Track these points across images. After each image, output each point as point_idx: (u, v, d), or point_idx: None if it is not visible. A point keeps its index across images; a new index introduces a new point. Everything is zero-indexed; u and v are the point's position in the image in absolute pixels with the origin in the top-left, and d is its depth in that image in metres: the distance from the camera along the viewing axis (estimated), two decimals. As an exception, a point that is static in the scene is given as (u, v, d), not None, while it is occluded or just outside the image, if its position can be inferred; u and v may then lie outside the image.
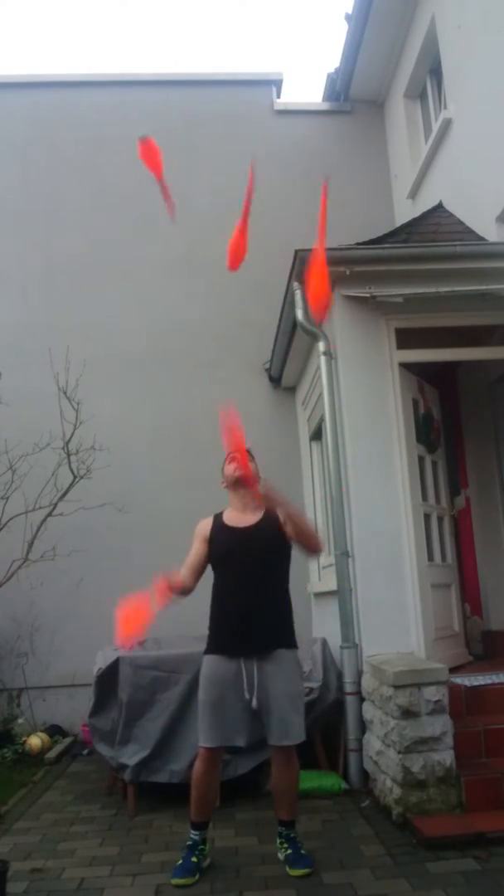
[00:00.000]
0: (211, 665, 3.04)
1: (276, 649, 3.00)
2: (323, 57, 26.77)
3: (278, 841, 3.07)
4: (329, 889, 2.76)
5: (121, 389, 6.41)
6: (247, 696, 2.93)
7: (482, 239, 5.05)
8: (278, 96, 7.56)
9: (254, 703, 2.93)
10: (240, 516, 3.19)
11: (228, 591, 3.06)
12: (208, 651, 3.08)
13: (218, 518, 3.24)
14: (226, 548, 3.12)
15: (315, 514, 5.78)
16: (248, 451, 3.27)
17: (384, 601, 4.15)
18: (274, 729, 2.95)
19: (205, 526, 3.24)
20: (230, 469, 3.22)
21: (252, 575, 3.03)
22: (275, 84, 7.54)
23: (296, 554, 3.16)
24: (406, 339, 4.56)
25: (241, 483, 3.18)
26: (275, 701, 2.94)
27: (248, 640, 2.98)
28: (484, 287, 4.28)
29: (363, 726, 4.01)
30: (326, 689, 4.12)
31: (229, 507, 3.27)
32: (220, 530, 3.17)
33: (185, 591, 3.09)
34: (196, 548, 3.20)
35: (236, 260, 2.68)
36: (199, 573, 3.18)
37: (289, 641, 3.07)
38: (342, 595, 4.21)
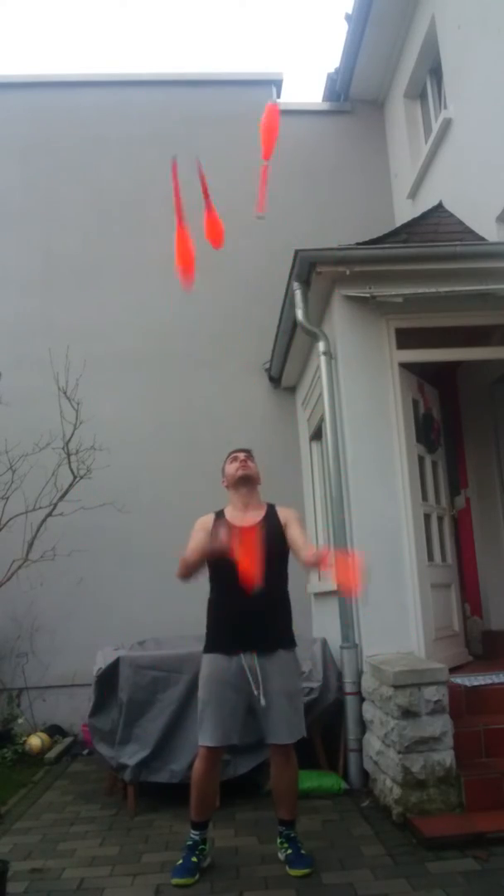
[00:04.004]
0: (211, 664, 3.02)
1: (276, 648, 3.00)
2: (323, 57, 26.79)
3: (279, 841, 3.07)
4: (329, 889, 2.76)
5: (121, 389, 6.41)
6: (255, 692, 2.91)
7: (482, 239, 5.04)
8: (278, 96, 7.55)
9: (262, 700, 2.90)
10: (241, 515, 3.17)
11: (230, 589, 2.96)
12: (207, 650, 3.06)
13: (220, 515, 3.20)
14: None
15: (315, 514, 5.78)
16: (249, 452, 3.27)
17: (384, 601, 4.14)
18: (274, 728, 2.95)
19: (206, 521, 3.18)
20: (232, 468, 3.22)
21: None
22: (275, 84, 7.54)
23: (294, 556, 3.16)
24: (406, 339, 4.56)
25: (243, 482, 3.17)
26: (275, 699, 2.93)
27: (249, 638, 2.97)
28: (484, 287, 4.28)
29: (363, 726, 4.01)
30: (326, 689, 4.12)
31: (229, 506, 3.24)
32: (224, 526, 3.09)
33: (198, 571, 3.03)
34: (199, 539, 3.09)
35: (188, 269, 2.53)
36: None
37: (288, 640, 3.07)
38: (342, 595, 4.21)
